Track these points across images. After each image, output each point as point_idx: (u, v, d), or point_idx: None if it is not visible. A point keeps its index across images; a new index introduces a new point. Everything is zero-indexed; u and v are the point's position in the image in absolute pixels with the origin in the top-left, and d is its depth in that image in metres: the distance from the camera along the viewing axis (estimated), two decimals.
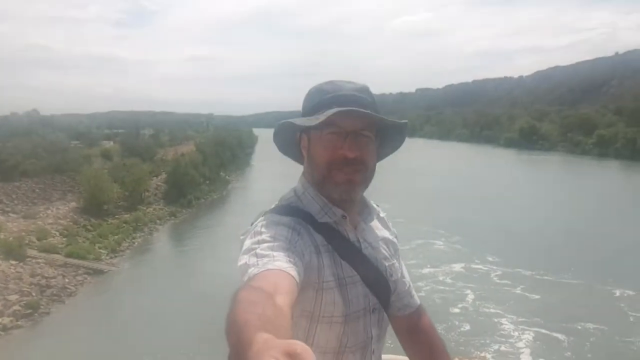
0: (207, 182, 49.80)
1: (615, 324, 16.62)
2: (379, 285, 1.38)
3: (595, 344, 15.55)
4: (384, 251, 1.45)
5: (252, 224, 1.30)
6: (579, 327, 16.46)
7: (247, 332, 0.76)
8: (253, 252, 1.15)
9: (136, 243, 32.72)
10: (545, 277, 20.01)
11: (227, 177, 58.29)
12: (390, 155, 1.49)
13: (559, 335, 16.02)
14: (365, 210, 1.46)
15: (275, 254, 1.12)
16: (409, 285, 1.55)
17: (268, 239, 1.18)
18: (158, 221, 38.50)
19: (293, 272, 1.07)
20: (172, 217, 40.33)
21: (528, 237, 24.55)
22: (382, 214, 1.54)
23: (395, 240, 1.53)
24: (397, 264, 1.48)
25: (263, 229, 1.23)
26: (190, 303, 18.93)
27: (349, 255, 1.33)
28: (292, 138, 1.41)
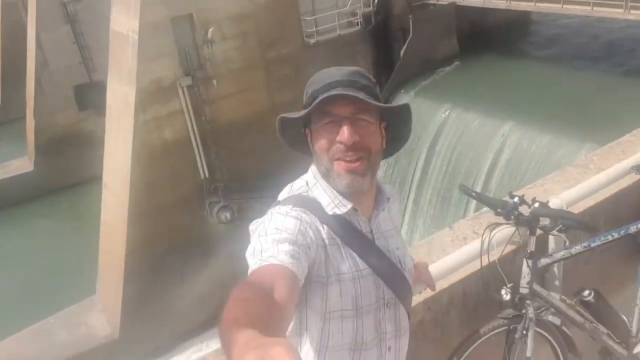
0: None
1: None
2: (394, 278, 1.33)
3: None
4: (396, 240, 1.39)
5: (264, 216, 1.25)
6: None
7: (233, 330, 0.75)
8: (258, 245, 1.12)
9: None
10: None
11: None
12: None
13: None
14: (379, 197, 1.38)
15: (279, 247, 1.10)
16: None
17: (274, 231, 1.15)
18: None
19: (294, 267, 1.06)
20: None
21: None
22: (388, 193, 1.41)
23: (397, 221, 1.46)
24: (407, 252, 1.43)
25: (271, 222, 1.19)
26: None
27: (360, 248, 1.28)
28: (299, 134, 1.34)
